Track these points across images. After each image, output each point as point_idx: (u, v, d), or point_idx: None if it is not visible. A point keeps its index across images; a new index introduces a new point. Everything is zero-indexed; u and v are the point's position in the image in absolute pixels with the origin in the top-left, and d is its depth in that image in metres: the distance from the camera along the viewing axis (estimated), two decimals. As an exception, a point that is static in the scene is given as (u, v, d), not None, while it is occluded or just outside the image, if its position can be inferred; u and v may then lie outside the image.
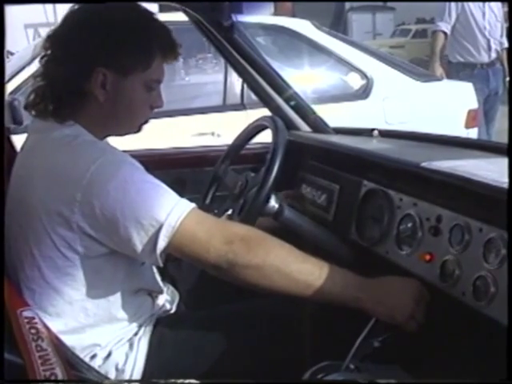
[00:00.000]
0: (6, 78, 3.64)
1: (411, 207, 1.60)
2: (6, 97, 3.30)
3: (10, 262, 1.50)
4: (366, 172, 1.83)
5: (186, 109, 4.12)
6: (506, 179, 1.29)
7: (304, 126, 2.31)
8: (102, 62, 1.43)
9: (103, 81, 1.44)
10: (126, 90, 1.48)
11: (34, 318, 1.38)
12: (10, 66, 4.08)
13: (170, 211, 1.38)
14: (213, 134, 3.82)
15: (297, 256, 1.46)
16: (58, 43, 1.47)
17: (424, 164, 1.56)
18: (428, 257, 1.51)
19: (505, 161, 1.42)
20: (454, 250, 1.43)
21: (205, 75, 4.83)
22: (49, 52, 1.47)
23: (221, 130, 3.78)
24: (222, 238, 1.41)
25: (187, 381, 1.30)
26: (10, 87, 3.54)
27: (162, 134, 3.65)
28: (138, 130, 1.57)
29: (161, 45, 1.49)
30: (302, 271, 1.44)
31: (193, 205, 1.43)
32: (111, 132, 1.55)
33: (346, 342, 1.48)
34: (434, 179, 1.53)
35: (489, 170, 1.39)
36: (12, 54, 5.82)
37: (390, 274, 1.53)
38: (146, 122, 1.57)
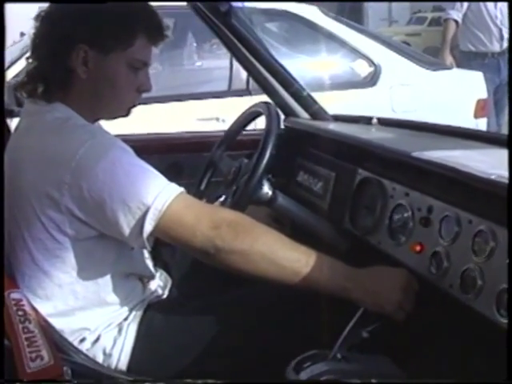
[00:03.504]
0: (15, 59, 3.66)
1: (403, 197, 1.58)
2: (11, 79, 3.31)
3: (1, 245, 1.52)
4: (361, 160, 1.81)
5: (193, 93, 4.12)
6: (495, 171, 1.27)
7: (303, 113, 2.30)
8: (83, 39, 1.45)
9: (85, 58, 1.45)
10: (108, 67, 1.48)
11: (21, 300, 1.39)
12: (18, 47, 4.11)
13: (157, 194, 1.38)
14: (217, 119, 3.81)
15: (285, 243, 1.46)
16: (44, 21, 1.49)
17: (415, 154, 1.54)
18: (418, 248, 1.49)
19: (498, 152, 1.41)
20: (443, 242, 1.42)
21: (218, 60, 4.82)
22: (36, 30, 1.49)
23: (226, 116, 3.77)
24: (210, 222, 1.41)
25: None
26: (15, 70, 3.54)
27: (167, 119, 3.67)
28: (127, 113, 1.57)
29: (144, 24, 1.49)
30: (289, 258, 1.44)
31: (181, 189, 1.43)
32: (100, 114, 1.56)
33: (335, 331, 1.48)
34: (424, 169, 1.51)
35: (479, 161, 1.37)
36: (24, 34, 5.86)
37: (382, 263, 1.53)
38: (134, 105, 1.57)
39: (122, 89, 1.52)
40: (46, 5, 1.53)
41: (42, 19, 1.49)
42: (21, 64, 3.59)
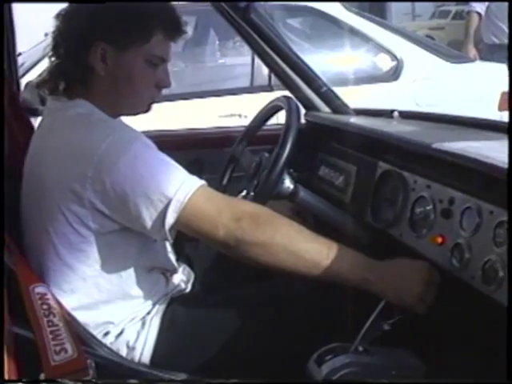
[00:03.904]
0: (38, 58, 3.70)
1: (425, 189, 1.57)
2: (35, 78, 3.35)
3: (27, 240, 1.55)
4: (382, 153, 1.81)
5: (216, 90, 4.13)
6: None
7: (324, 108, 2.29)
8: (100, 37, 1.46)
9: (103, 54, 1.47)
10: (125, 64, 1.50)
11: (46, 294, 1.40)
12: (41, 47, 4.15)
13: (178, 187, 1.39)
14: (240, 115, 3.82)
15: (305, 235, 1.46)
16: (63, 19, 1.50)
17: (436, 145, 1.53)
18: (440, 239, 1.49)
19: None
20: (464, 233, 1.41)
21: (241, 57, 4.83)
22: (56, 29, 1.51)
23: (248, 112, 3.77)
24: (231, 214, 1.42)
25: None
26: (39, 69, 3.59)
27: (190, 115, 3.68)
28: (147, 109, 1.58)
29: (160, 20, 1.50)
30: (310, 250, 1.44)
31: (202, 182, 1.44)
32: (120, 110, 1.57)
33: (356, 324, 1.48)
34: (445, 161, 1.50)
35: (501, 152, 1.36)
36: (47, 34, 5.92)
37: (404, 256, 1.51)
38: (154, 101, 1.58)
39: (141, 85, 1.53)
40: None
41: (62, 18, 1.50)
42: (45, 63, 3.64)
